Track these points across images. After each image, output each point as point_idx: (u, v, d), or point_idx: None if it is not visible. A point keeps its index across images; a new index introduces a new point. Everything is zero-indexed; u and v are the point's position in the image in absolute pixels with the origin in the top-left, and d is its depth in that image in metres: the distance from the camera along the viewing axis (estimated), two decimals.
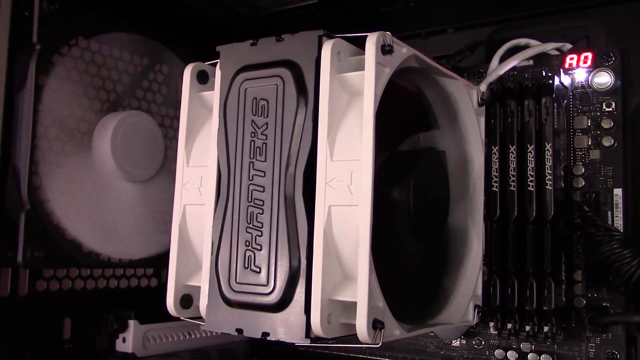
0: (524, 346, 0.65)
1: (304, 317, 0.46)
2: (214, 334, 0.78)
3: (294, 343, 0.47)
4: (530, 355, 0.64)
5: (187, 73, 0.57)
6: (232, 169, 0.51)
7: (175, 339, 0.74)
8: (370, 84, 0.45)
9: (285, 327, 0.47)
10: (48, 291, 0.65)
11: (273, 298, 0.47)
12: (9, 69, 0.60)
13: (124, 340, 0.70)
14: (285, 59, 0.49)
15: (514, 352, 0.65)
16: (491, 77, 0.66)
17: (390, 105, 0.56)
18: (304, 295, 0.46)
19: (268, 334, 0.47)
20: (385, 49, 0.46)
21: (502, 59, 0.68)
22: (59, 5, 0.62)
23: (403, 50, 0.49)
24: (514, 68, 0.67)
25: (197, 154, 0.56)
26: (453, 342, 0.70)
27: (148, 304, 0.72)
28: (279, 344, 0.80)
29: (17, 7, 0.61)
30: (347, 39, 0.49)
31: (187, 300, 0.55)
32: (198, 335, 0.77)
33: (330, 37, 0.48)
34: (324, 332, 0.45)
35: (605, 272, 0.55)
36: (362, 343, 0.44)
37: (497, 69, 0.67)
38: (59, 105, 0.65)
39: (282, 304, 0.47)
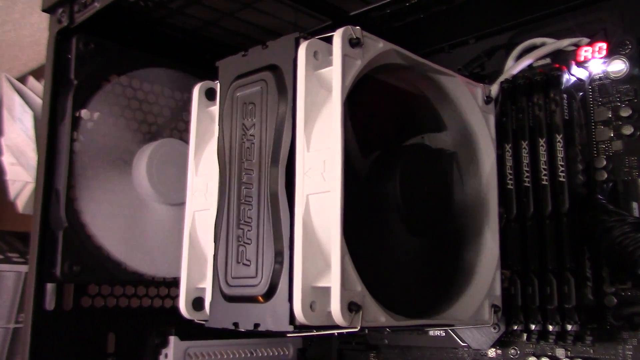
0: (559, 352, 0.62)
1: (288, 305, 0.47)
2: (259, 354, 0.80)
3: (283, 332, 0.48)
4: None
5: (196, 91, 0.61)
6: (228, 172, 0.54)
7: (219, 357, 0.77)
8: (337, 74, 0.47)
9: (272, 317, 0.48)
10: (93, 307, 0.70)
11: (261, 289, 0.49)
12: (52, 104, 0.68)
13: (165, 355, 0.73)
14: (269, 64, 0.52)
15: (547, 359, 0.62)
16: (504, 75, 0.66)
17: (385, 106, 0.57)
18: (287, 284, 0.47)
19: (259, 325, 0.49)
20: (352, 42, 0.48)
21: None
22: (95, 45, 0.69)
23: (379, 45, 0.51)
24: (530, 67, 0.67)
25: (204, 164, 0.59)
26: (489, 352, 0.67)
27: (190, 321, 0.75)
28: None
29: (60, 51, 0.69)
30: (326, 40, 0.51)
31: (199, 302, 0.58)
32: (245, 355, 0.78)
33: (306, 38, 0.51)
34: (306, 319, 0.46)
35: (619, 258, 0.52)
36: (341, 328, 0.45)
37: (511, 68, 0.66)
38: (101, 136, 0.71)
39: (269, 294, 0.48)
